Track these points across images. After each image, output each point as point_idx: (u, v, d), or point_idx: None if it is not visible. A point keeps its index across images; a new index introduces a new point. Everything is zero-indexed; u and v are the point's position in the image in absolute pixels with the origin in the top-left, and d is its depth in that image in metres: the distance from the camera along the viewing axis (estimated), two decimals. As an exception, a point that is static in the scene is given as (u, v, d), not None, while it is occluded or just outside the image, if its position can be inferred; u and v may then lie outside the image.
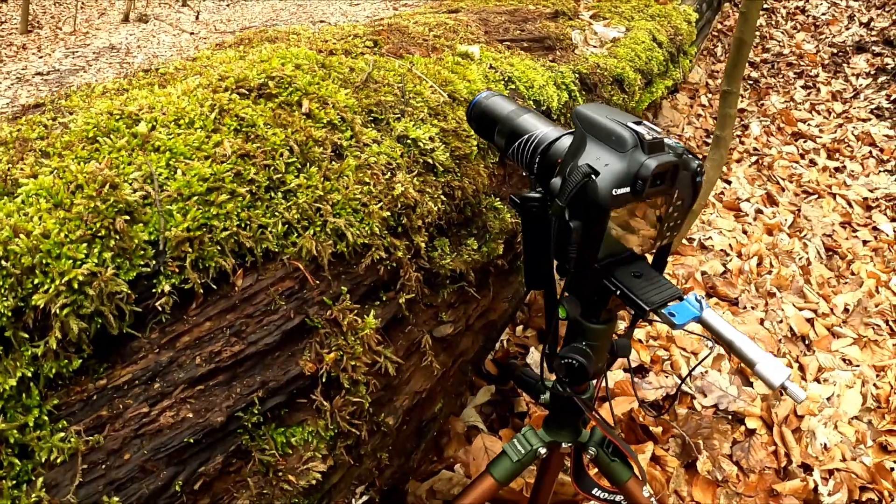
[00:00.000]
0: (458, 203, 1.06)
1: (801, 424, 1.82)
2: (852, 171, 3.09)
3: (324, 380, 0.77)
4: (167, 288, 0.68)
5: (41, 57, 6.34)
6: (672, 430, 1.74)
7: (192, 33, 6.93)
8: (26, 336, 0.61)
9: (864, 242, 2.67)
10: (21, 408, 0.61)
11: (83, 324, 0.62)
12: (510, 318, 1.65)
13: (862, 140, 3.24)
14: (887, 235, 2.67)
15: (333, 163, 0.87)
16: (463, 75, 1.29)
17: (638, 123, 0.77)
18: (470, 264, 1.09)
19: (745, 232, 2.76)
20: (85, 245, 0.64)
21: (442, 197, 1.01)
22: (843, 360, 2.11)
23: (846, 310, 2.34)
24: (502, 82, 1.45)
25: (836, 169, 3.15)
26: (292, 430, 0.76)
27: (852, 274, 2.52)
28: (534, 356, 1.86)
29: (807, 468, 1.70)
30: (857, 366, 2.08)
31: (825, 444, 1.78)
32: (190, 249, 0.69)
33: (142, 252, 0.67)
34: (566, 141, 0.86)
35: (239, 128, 0.84)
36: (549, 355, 0.89)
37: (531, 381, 1.43)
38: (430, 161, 1.02)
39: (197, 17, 7.61)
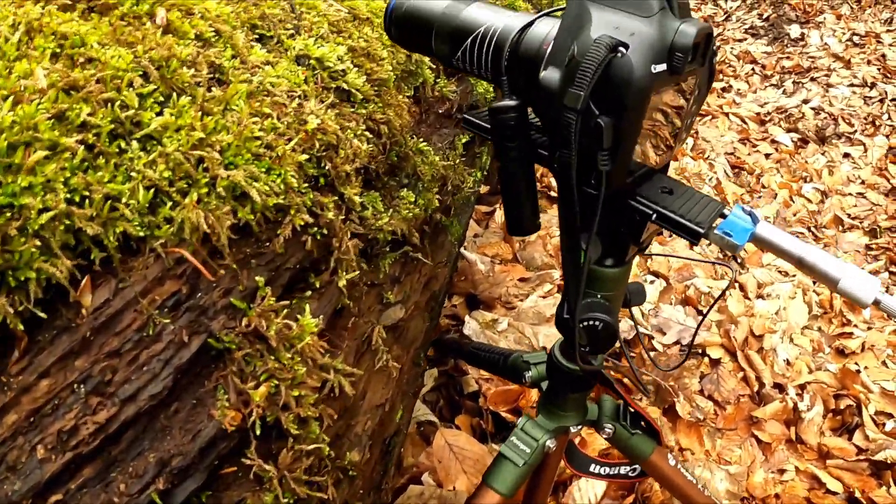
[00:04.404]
0: (384, 143, 0.79)
1: (762, 344, 1.76)
2: (739, 90, 3.13)
3: (258, 431, 0.48)
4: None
5: None
6: (643, 378, 1.60)
7: None
8: None
9: (767, 155, 2.69)
10: None
11: None
12: (448, 286, 1.41)
13: (742, 58, 3.29)
14: (786, 146, 2.71)
15: (213, 90, 0.56)
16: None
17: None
18: (411, 222, 0.83)
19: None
20: None
21: (367, 134, 0.73)
22: (779, 272, 2.09)
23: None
24: None
25: (723, 89, 3.17)
26: (221, 516, 0.47)
27: (763, 187, 2.52)
28: (471, 326, 1.63)
29: (779, 388, 1.63)
30: (794, 276, 2.06)
31: (787, 360, 1.73)
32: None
33: None
34: (545, 25, 0.61)
35: (59, 51, 0.51)
36: (566, 319, 0.67)
37: (492, 356, 1.21)
38: (344, 87, 0.73)
39: None
